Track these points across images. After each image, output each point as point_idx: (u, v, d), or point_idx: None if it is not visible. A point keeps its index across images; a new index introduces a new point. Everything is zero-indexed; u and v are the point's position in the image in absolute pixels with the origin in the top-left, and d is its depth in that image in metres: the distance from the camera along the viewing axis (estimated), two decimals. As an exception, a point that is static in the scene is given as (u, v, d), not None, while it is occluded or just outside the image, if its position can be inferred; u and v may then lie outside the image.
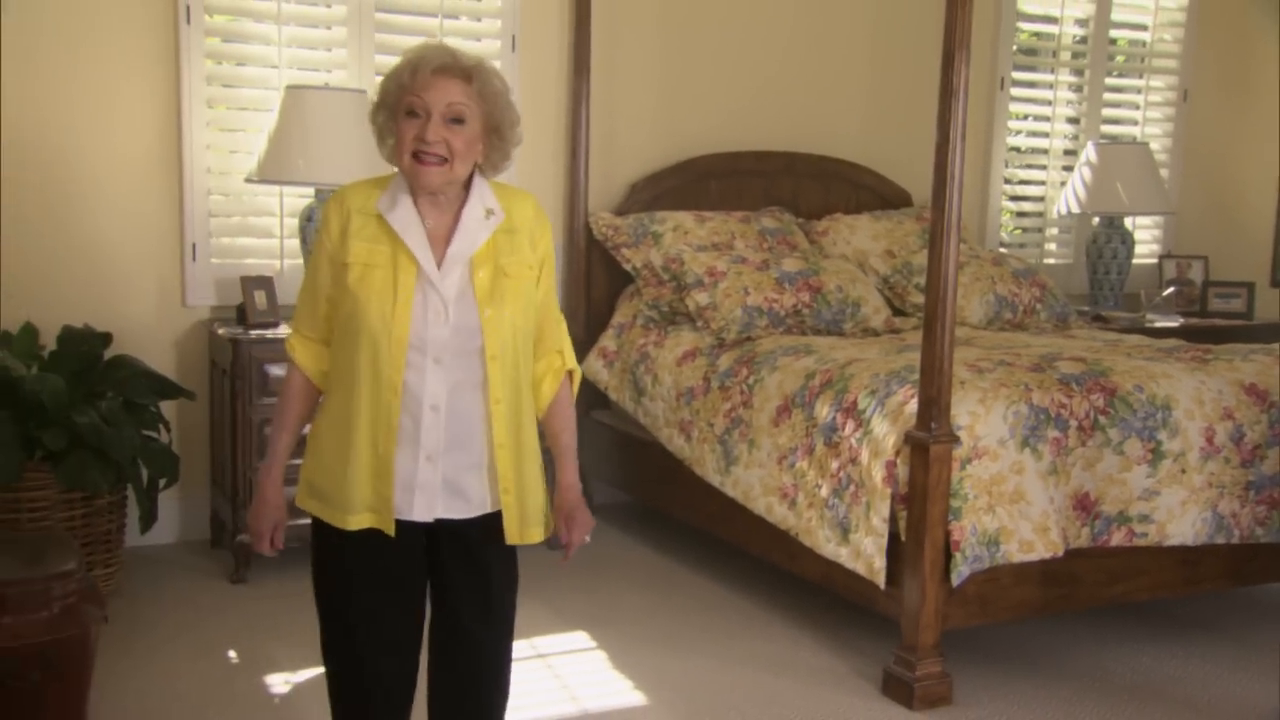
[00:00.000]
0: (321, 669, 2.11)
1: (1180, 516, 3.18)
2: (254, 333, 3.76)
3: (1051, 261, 5.64)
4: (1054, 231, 5.69)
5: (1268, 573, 3.47)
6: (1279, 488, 3.33)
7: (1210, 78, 5.77)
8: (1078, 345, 3.79)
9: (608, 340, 4.37)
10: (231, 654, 3.22)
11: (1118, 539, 3.14)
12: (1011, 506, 2.97)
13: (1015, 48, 5.40)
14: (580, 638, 3.41)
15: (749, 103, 4.89)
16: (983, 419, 2.99)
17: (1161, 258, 5.72)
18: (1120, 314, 5.23)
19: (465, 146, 1.91)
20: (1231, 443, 3.26)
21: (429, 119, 1.88)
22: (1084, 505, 3.09)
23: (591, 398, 4.42)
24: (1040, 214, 5.63)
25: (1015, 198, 5.62)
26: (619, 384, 4.27)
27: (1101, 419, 3.11)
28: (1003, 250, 5.40)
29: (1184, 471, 3.18)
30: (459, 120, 1.90)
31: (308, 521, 2.04)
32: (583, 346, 4.35)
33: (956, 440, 2.91)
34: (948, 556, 2.92)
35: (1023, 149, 5.57)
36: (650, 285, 4.30)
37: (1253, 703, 3.10)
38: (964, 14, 2.74)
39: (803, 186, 4.91)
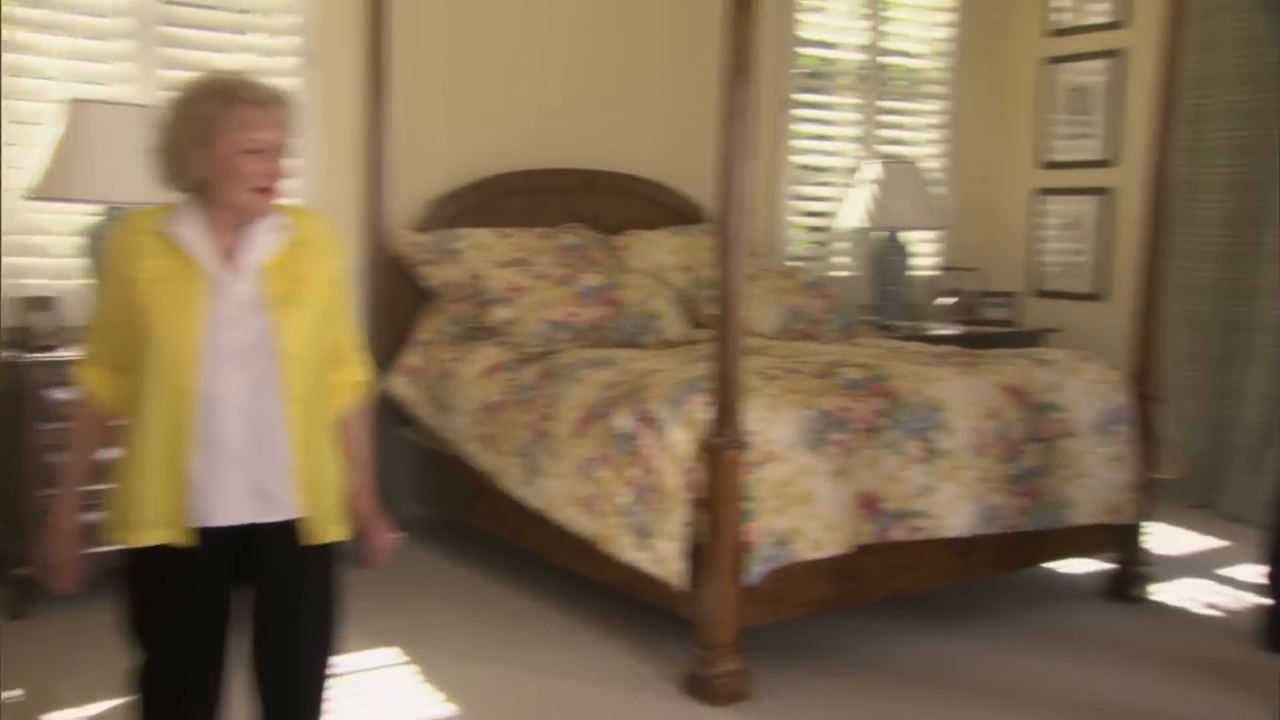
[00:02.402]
0: (112, 702, 2.06)
1: (955, 510, 3.42)
2: (35, 356, 3.60)
3: (841, 274, 5.94)
4: (842, 245, 6.00)
5: (1032, 557, 3.78)
6: (1038, 479, 3.63)
7: (975, 102, 6.20)
8: (862, 353, 4.03)
9: (411, 357, 4.37)
10: (16, 693, 3.08)
11: (900, 534, 3.35)
12: (801, 507, 3.14)
13: (801, 71, 5.68)
14: (391, 654, 3.41)
15: (550, 120, 4.99)
16: (773, 424, 3.15)
17: (939, 269, 6.10)
18: (902, 323, 5.55)
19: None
20: (997, 439, 3.53)
21: (270, 154, 1.96)
22: (868, 503, 3.29)
23: (396, 415, 4.41)
24: (828, 228, 5.92)
25: (808, 213, 5.90)
26: (423, 400, 4.28)
27: (882, 421, 3.33)
28: (794, 263, 5.66)
29: (956, 468, 3.43)
30: (280, 152, 1.99)
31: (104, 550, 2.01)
32: (385, 364, 4.34)
33: (748, 446, 3.06)
34: (744, 557, 3.06)
35: (810, 166, 5.85)
36: (452, 302, 4.33)
37: (1020, 677, 3.36)
38: (744, 38, 2.89)
39: (603, 203, 5.03)
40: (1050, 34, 6.10)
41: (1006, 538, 3.62)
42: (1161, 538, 4.78)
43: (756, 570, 3.07)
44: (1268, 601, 3.63)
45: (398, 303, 4.52)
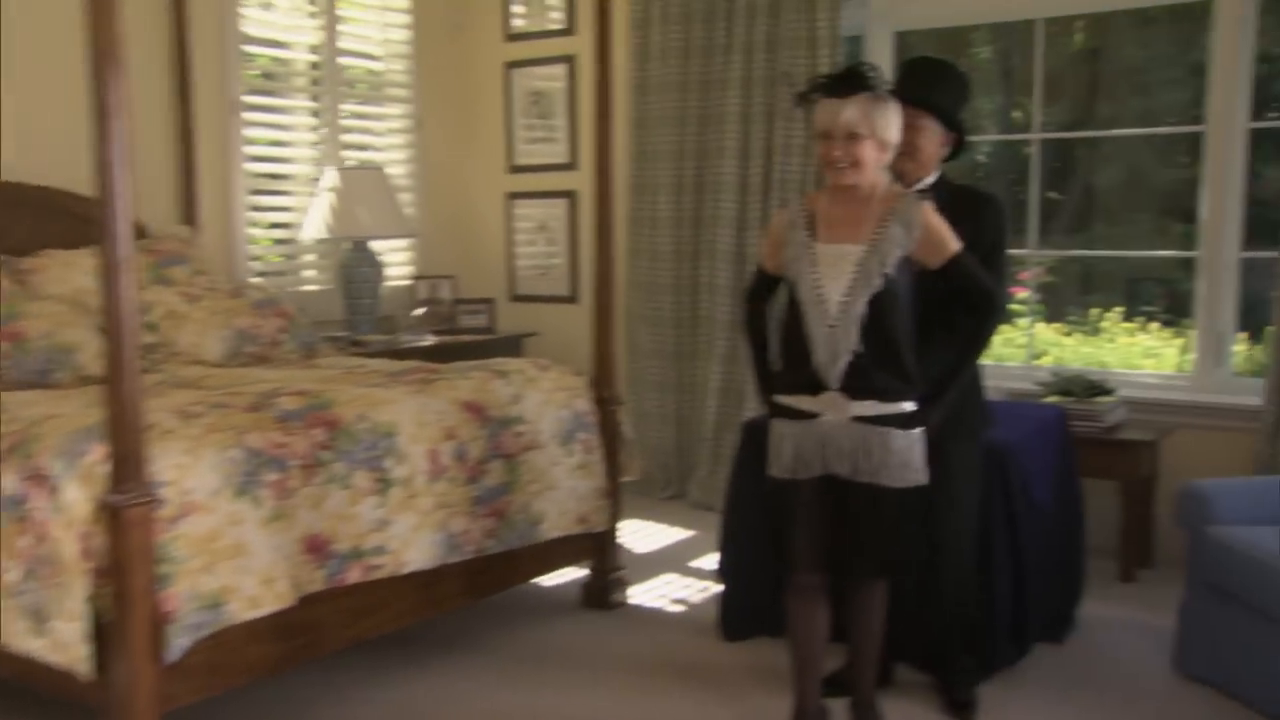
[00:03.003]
0: None
1: (414, 542, 3.17)
2: None
3: (313, 288, 5.54)
4: (312, 257, 5.60)
5: (505, 579, 3.62)
6: (504, 498, 3.47)
7: (440, 106, 6.04)
8: (311, 377, 3.67)
9: None
10: None
11: (355, 575, 3.04)
12: (232, 562, 2.74)
13: (252, 72, 5.21)
14: None
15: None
16: (191, 471, 2.71)
17: (414, 279, 5.88)
18: (376, 337, 5.27)
19: None
20: (456, 461, 3.33)
21: None
22: (316, 547, 2.95)
23: None
24: (294, 240, 5.49)
25: (273, 225, 5.44)
26: None
27: (325, 454, 3.00)
28: (257, 279, 5.19)
29: (413, 496, 3.18)
30: None
31: None
32: None
33: (160, 499, 2.61)
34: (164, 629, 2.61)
35: (271, 175, 5.40)
36: None
37: (499, 707, 3.18)
38: (106, 19, 2.43)
39: (9, 218, 4.27)
40: (510, 39, 6.07)
41: (476, 563, 3.43)
42: (637, 536, 4.87)
43: (179, 643, 2.63)
44: (721, 588, 3.75)
45: None
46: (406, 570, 3.17)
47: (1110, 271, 5.78)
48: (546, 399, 3.70)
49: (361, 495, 3.05)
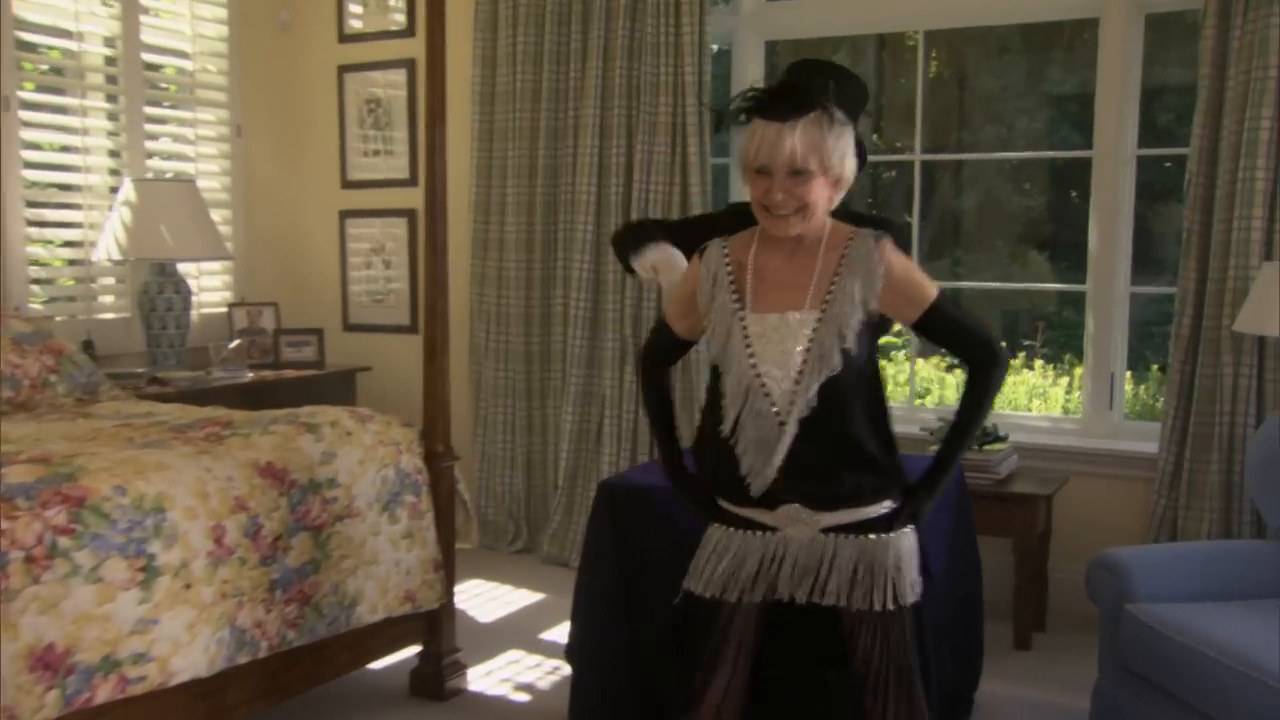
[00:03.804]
0: None
1: (189, 644, 2.54)
2: None
3: (109, 316, 4.81)
4: (109, 281, 4.86)
5: (309, 678, 3.00)
6: (309, 579, 2.87)
7: (264, 113, 5.38)
8: (75, 431, 3.02)
9: None
10: None
11: (106, 693, 2.40)
12: (-74, 691, 2.08)
13: (34, 66, 4.48)
14: None
15: None
16: None
17: (231, 306, 5.19)
18: (182, 373, 4.58)
19: None
20: (247, 539, 2.72)
21: None
22: (49, 662, 2.31)
23: None
24: (87, 262, 4.75)
25: (64, 243, 4.71)
26: None
27: (64, 541, 2.35)
28: (35, 307, 4.45)
29: (188, 587, 2.55)
30: None
31: None
32: None
33: None
34: None
35: (58, 185, 4.67)
36: None
37: None
38: None
39: None
40: (344, 39, 5.45)
41: (274, 661, 2.82)
42: (479, 601, 4.30)
43: None
44: (570, 671, 3.21)
45: None
46: (178, 681, 2.54)
47: (978, 302, 5.51)
48: (365, 456, 3.12)
49: (116, 590, 2.42)
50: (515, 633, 3.98)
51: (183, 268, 4.86)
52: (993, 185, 5.77)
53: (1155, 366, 5.41)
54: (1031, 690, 3.49)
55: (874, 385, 2.13)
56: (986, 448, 3.90)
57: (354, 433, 3.13)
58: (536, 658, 3.76)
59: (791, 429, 2.04)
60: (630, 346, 4.68)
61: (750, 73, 4.78)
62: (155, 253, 4.56)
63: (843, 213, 2.56)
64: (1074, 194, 5.54)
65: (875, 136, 5.76)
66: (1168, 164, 4.81)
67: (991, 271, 5.42)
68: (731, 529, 2.17)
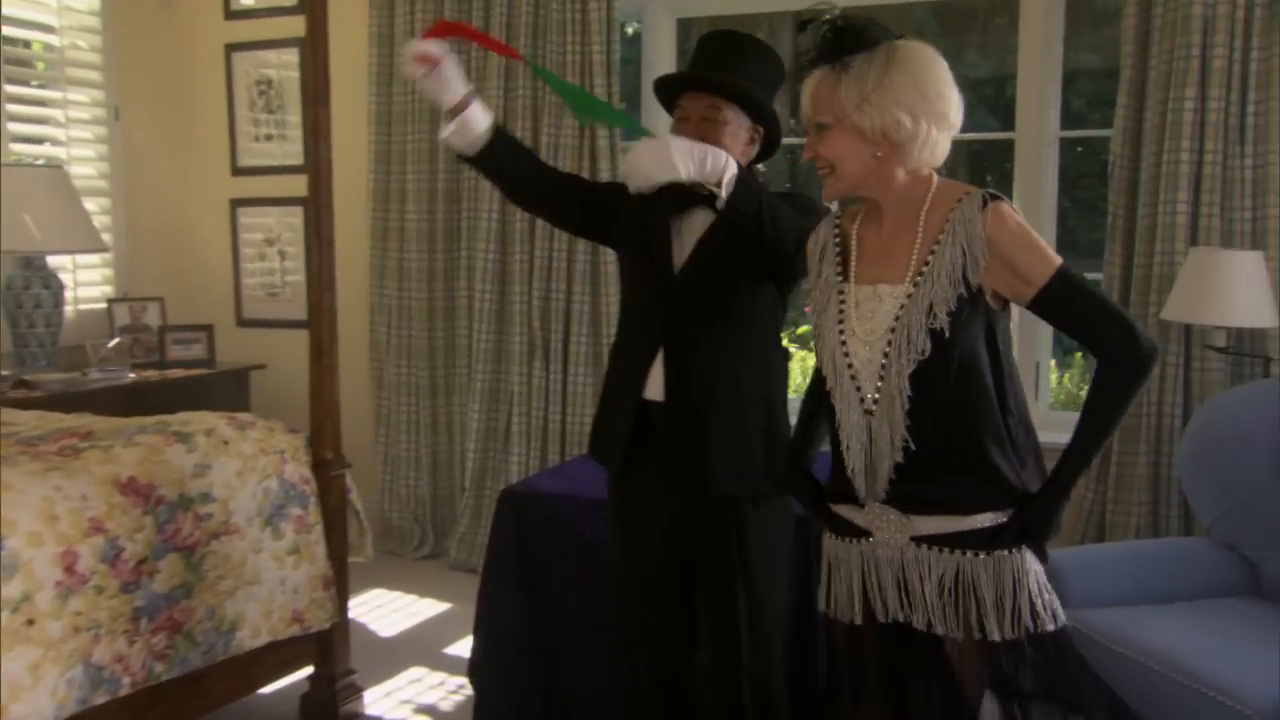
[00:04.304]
0: None
1: (32, 688, 2.26)
2: None
3: (-27, 313, 4.45)
4: (-28, 276, 4.50)
5: (180, 714, 2.71)
6: (179, 604, 2.60)
7: (144, 95, 5.03)
8: (-88, 446, 2.70)
9: None
10: None
11: (-65, 745, 2.13)
12: None
13: None
14: None
15: None
16: None
17: (111, 301, 4.85)
18: (54, 375, 4.24)
19: None
20: (105, 564, 2.44)
21: None
22: None
23: None
24: (-54, 255, 4.39)
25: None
26: None
27: (-119, 577, 2.07)
28: (-112, 305, 4.09)
29: (31, 623, 2.27)
30: None
31: None
32: None
33: None
34: None
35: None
36: None
37: None
38: None
39: None
40: (231, 15, 5.12)
41: (140, 698, 2.54)
42: (380, 613, 4.05)
43: None
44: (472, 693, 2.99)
45: None
46: (18, 729, 2.26)
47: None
48: (244, 467, 2.84)
49: (-51, 631, 2.14)
50: (418, 648, 3.73)
51: (55, 261, 4.51)
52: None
53: (1079, 354, 5.31)
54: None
55: (990, 374, 1.85)
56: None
57: (231, 441, 2.86)
58: (440, 675, 3.52)
59: (880, 416, 1.82)
60: (539, 340, 4.45)
61: (662, 53, 4.56)
62: (20, 245, 4.20)
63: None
64: (989, 179, 5.43)
65: (793, 120, 5.59)
66: (1079, 148, 4.72)
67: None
68: (833, 536, 1.96)
